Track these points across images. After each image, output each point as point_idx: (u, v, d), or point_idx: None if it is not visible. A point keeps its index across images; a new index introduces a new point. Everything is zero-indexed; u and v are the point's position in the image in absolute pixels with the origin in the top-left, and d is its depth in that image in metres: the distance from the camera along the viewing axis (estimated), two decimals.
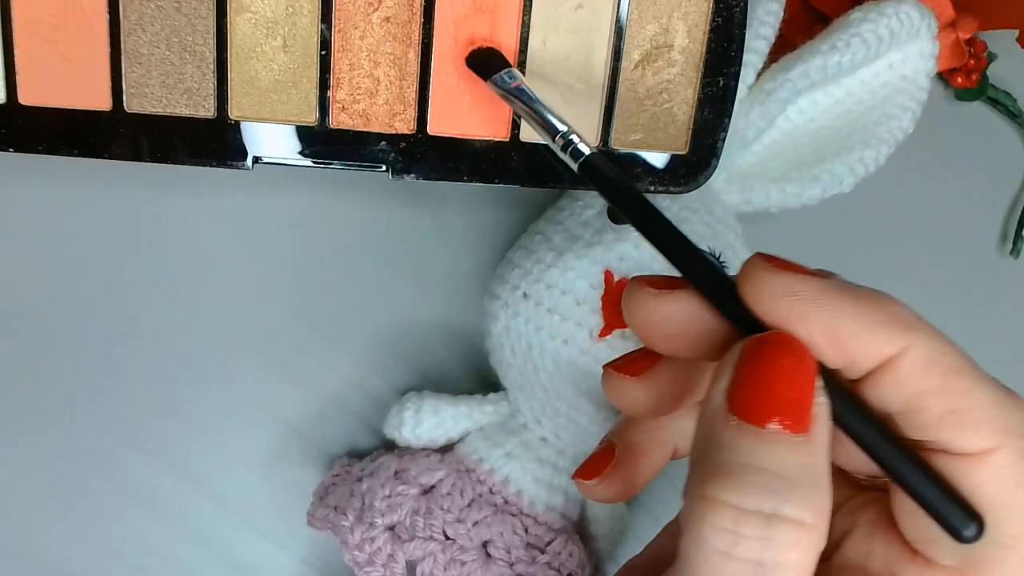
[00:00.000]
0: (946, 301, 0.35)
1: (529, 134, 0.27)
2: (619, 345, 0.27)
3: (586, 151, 0.23)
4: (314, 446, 0.31)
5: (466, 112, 0.27)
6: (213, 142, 0.26)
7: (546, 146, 0.25)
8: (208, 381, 0.31)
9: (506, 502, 0.29)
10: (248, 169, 0.26)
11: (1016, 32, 0.36)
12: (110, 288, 0.31)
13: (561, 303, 0.27)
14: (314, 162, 0.27)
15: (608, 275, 0.27)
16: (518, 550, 0.28)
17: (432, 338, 0.33)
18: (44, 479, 0.30)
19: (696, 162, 0.28)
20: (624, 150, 0.28)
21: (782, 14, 0.31)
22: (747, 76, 0.30)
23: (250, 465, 0.31)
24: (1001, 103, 0.37)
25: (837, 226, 0.35)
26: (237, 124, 0.26)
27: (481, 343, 0.30)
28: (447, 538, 0.28)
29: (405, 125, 0.27)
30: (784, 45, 0.31)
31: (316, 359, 0.32)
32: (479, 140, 0.27)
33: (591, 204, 0.29)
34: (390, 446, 0.31)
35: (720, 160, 0.30)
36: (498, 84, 0.25)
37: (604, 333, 0.27)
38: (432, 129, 0.27)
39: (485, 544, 0.28)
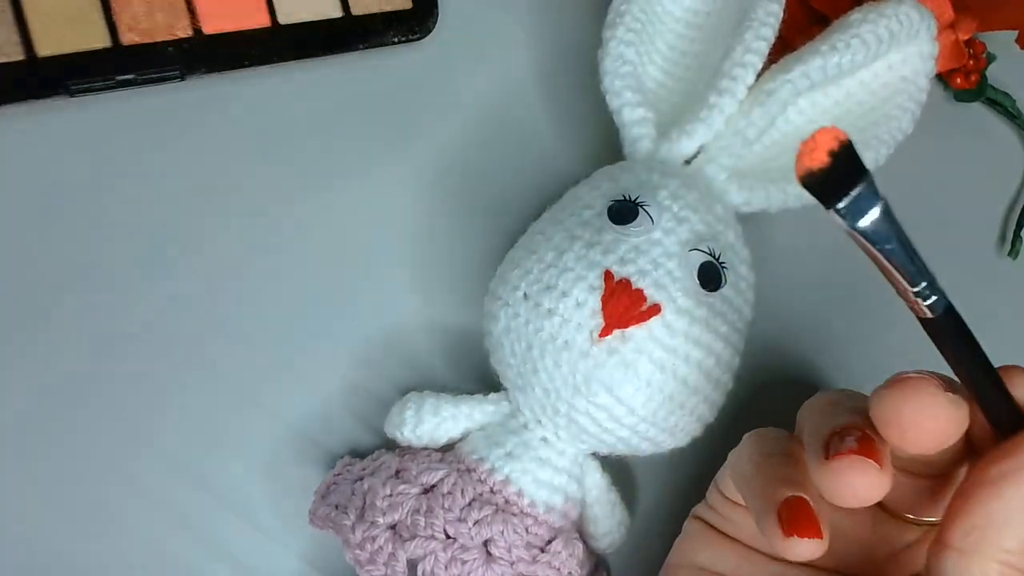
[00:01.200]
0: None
1: (288, 14, 0.32)
2: (619, 346, 0.27)
3: (941, 308, 0.20)
4: (315, 445, 0.32)
5: (229, 7, 0.31)
6: (28, 82, 0.30)
7: None
8: (209, 380, 0.31)
9: (507, 502, 0.29)
10: (68, 97, 0.30)
11: (1015, 33, 0.36)
12: (107, 288, 0.31)
13: (561, 304, 0.27)
14: (117, 80, 0.31)
15: (608, 276, 0.27)
16: (519, 549, 0.28)
17: (433, 338, 0.33)
18: (44, 477, 0.30)
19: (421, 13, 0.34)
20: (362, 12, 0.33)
21: (781, 15, 0.31)
22: (747, 77, 0.30)
23: (251, 464, 0.31)
24: (1000, 104, 0.37)
25: (831, 227, 0.35)
26: (47, 60, 0.30)
27: (482, 343, 0.30)
28: (448, 537, 0.28)
29: (183, 31, 0.31)
30: (783, 46, 0.31)
31: (318, 359, 0.32)
32: (248, 30, 0.32)
33: (591, 204, 0.29)
34: (391, 445, 0.31)
35: (726, 158, 0.30)
36: (844, 217, 0.18)
37: (604, 333, 0.27)
38: (207, 29, 0.31)
39: (486, 543, 0.28)
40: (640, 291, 0.27)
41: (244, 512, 0.31)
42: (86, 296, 0.31)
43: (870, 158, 0.31)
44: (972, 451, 0.23)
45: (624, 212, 0.28)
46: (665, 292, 0.27)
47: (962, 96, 0.37)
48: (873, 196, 0.18)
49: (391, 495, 0.28)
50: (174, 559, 0.30)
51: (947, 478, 0.24)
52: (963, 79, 0.36)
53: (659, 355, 0.27)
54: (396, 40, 0.34)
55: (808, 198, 0.31)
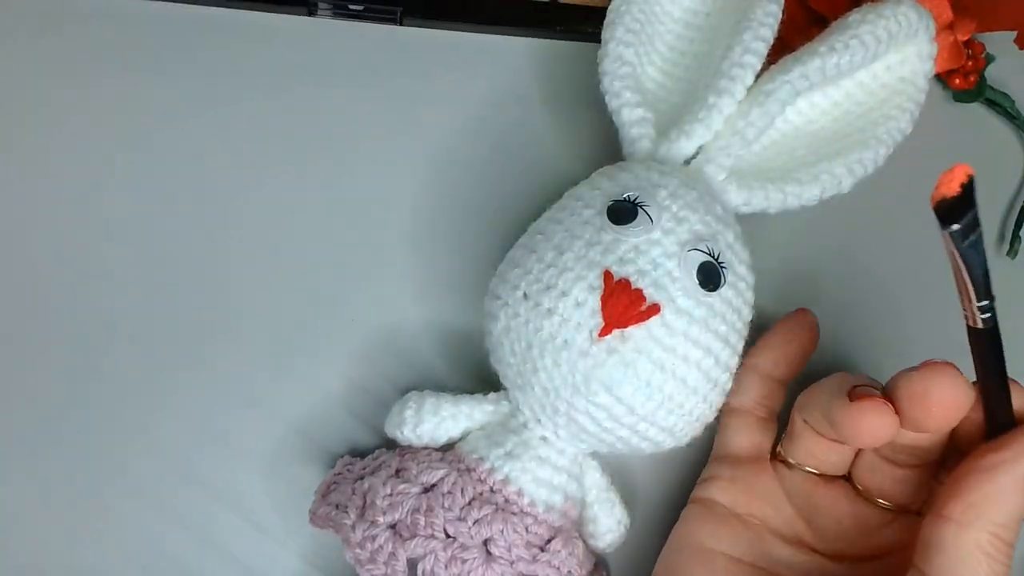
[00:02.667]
0: (943, 302, 0.33)
1: None
2: (618, 346, 0.27)
3: (991, 324, 0.24)
4: (316, 445, 0.32)
5: None
6: None
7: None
8: (210, 381, 0.31)
9: (507, 501, 0.29)
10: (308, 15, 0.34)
11: (1014, 33, 0.36)
12: (108, 287, 0.31)
13: (560, 304, 0.27)
14: (349, 9, 0.34)
15: (608, 276, 0.27)
16: (519, 548, 0.28)
17: (433, 338, 0.33)
18: (44, 477, 0.30)
19: None
20: None
21: (780, 15, 0.31)
22: (746, 77, 0.30)
23: (252, 464, 0.31)
24: (999, 104, 0.37)
25: (835, 227, 0.35)
26: None
27: (482, 343, 0.30)
28: (448, 536, 0.28)
29: None
30: (782, 47, 0.31)
31: (318, 359, 0.32)
32: None
33: (591, 203, 0.29)
34: (391, 444, 0.31)
35: (725, 157, 0.30)
36: (954, 237, 0.22)
37: (604, 333, 0.27)
38: None
39: (486, 542, 0.28)
40: (639, 291, 0.27)
41: (244, 512, 0.31)
42: (84, 294, 0.31)
43: (869, 158, 0.32)
44: (953, 447, 0.27)
45: (623, 212, 0.28)
46: (664, 292, 0.27)
47: (961, 97, 0.37)
48: (976, 224, 0.22)
49: (391, 494, 0.28)
50: (175, 557, 0.30)
51: (925, 468, 0.28)
52: (962, 80, 0.36)
53: (658, 355, 0.27)
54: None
55: (806, 199, 0.31)
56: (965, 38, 0.35)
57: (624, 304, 0.27)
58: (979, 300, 0.24)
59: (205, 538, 0.30)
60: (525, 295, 0.28)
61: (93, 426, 0.30)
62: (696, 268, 0.28)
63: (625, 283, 0.27)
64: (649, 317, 0.27)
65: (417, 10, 0.35)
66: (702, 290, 0.28)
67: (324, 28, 0.35)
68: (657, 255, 0.27)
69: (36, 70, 0.33)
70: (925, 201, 0.36)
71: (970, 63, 0.36)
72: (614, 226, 0.28)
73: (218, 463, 0.31)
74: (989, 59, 0.37)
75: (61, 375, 0.30)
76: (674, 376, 0.27)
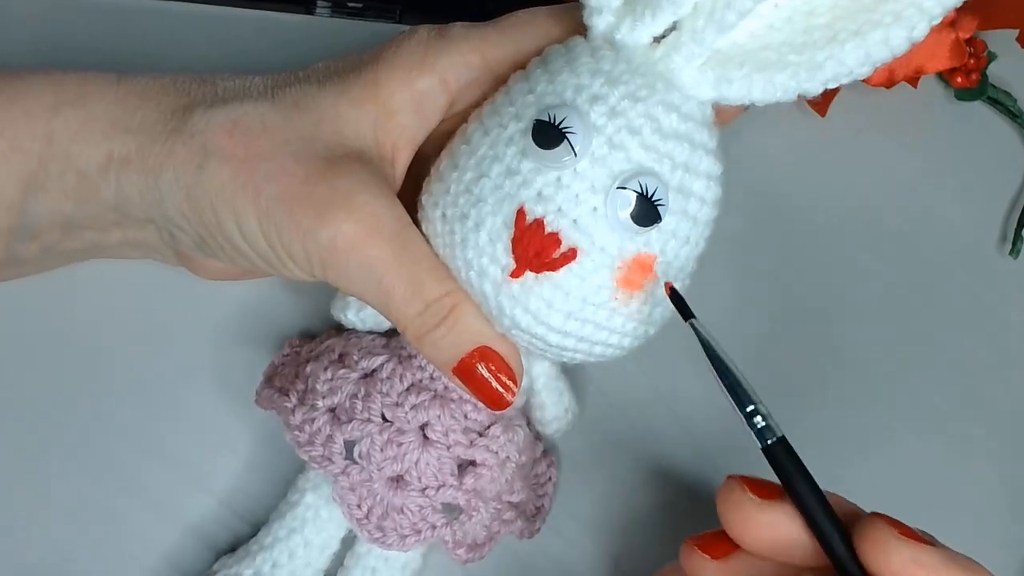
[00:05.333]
0: (945, 301, 0.35)
1: None
2: (532, 286, 0.24)
3: (778, 433, 0.23)
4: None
5: None
6: None
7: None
8: (211, 381, 0.32)
9: (446, 388, 0.29)
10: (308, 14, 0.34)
11: (1016, 32, 0.36)
12: (116, 286, 0.31)
13: (473, 237, 0.25)
14: (348, 7, 0.35)
15: (520, 215, 0.24)
16: (456, 433, 0.29)
17: None
18: (45, 478, 0.31)
19: None
20: None
21: None
22: None
23: (260, 470, 0.32)
24: (1001, 103, 0.37)
25: (835, 227, 0.35)
26: None
27: None
28: (385, 420, 0.29)
29: None
30: None
31: None
32: None
33: (520, 115, 0.25)
34: (342, 329, 0.31)
35: (696, 45, 0.24)
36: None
37: (515, 275, 0.24)
38: None
39: (423, 427, 0.29)
40: (555, 235, 0.24)
41: (252, 518, 0.31)
42: (91, 301, 0.31)
43: (900, 36, 0.24)
44: None
45: (548, 136, 0.24)
46: (585, 234, 0.24)
47: (963, 95, 0.37)
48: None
49: (331, 379, 0.29)
50: (178, 560, 0.31)
51: None
52: (964, 78, 0.36)
53: (576, 299, 0.24)
54: None
55: (804, 89, 0.25)
56: (967, 36, 0.34)
57: (535, 249, 0.24)
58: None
59: (210, 542, 0.31)
60: (444, 215, 0.26)
61: (95, 427, 0.31)
62: (627, 204, 0.24)
63: (538, 225, 0.24)
64: (563, 265, 0.24)
65: (416, 8, 0.34)
66: (635, 226, 0.24)
67: (323, 26, 0.34)
68: (581, 190, 0.24)
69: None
70: (928, 200, 0.36)
71: (972, 61, 0.36)
72: (537, 150, 0.24)
73: (221, 465, 0.31)
74: (991, 57, 0.37)
75: (61, 376, 0.31)
76: (593, 316, 0.25)
